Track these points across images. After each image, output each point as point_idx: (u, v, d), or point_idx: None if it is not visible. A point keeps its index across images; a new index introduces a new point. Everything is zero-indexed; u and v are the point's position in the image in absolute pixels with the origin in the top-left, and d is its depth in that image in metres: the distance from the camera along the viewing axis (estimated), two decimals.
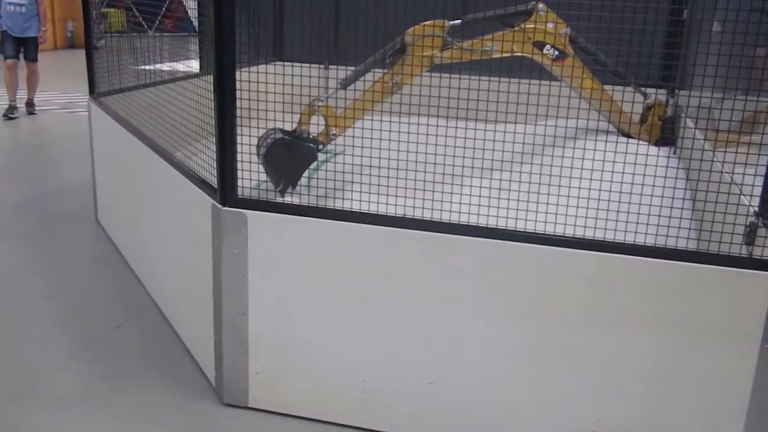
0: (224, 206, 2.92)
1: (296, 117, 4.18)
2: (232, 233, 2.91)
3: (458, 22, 4.41)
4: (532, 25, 4.51)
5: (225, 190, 2.92)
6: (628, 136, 5.03)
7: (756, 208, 2.90)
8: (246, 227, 2.90)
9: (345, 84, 4.31)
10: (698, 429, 2.63)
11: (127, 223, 4.61)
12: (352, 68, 4.38)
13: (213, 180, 3.00)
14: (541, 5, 4.50)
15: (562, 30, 4.58)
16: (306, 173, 4.22)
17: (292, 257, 2.89)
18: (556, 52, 4.60)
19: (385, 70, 4.33)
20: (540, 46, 4.58)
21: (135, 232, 4.42)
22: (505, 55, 4.39)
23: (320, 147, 4.32)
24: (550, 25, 4.54)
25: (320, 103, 4.21)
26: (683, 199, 3.05)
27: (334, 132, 4.31)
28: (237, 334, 3.02)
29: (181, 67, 4.62)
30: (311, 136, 4.26)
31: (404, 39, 4.31)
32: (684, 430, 2.65)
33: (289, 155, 4.19)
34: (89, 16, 5.41)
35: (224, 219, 2.91)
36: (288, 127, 4.19)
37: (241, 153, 2.92)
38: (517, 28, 4.51)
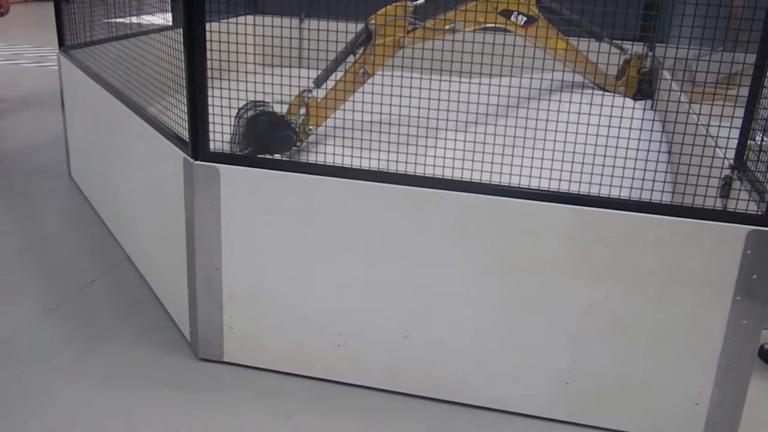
0: (196, 160, 2.87)
1: (270, 70, 4.12)
2: (205, 187, 2.87)
3: (422, 1, 4.40)
4: None
5: (197, 144, 2.87)
6: (607, 90, 5.02)
7: (731, 161, 2.91)
8: (218, 181, 2.85)
9: (318, 83, 4.37)
10: (670, 379, 2.67)
11: (100, 179, 4.54)
12: (327, 21, 4.32)
13: (185, 134, 2.95)
14: None
15: None
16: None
17: (265, 211, 2.86)
18: (525, 18, 4.57)
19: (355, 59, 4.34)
20: (507, 14, 4.57)
21: (108, 188, 4.36)
22: (473, 28, 4.36)
23: (299, 144, 4.33)
24: None
25: (309, 95, 4.30)
26: (659, 152, 3.04)
27: (311, 128, 4.38)
28: (210, 289, 3.00)
29: (154, 19, 4.51)
30: (296, 128, 4.33)
31: (368, 26, 4.31)
32: (656, 380, 2.69)
33: (272, 132, 4.20)
34: None
35: (196, 173, 2.87)
36: (264, 83, 4.14)
37: (214, 107, 2.86)
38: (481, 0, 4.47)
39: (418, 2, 4.39)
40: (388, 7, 4.31)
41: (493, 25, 4.54)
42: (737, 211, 2.51)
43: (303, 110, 4.38)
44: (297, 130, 4.38)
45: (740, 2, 2.81)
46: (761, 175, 2.58)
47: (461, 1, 4.52)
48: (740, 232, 2.46)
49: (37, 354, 3.18)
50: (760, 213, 2.47)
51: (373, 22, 4.31)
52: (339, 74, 4.39)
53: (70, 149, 5.32)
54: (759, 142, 2.74)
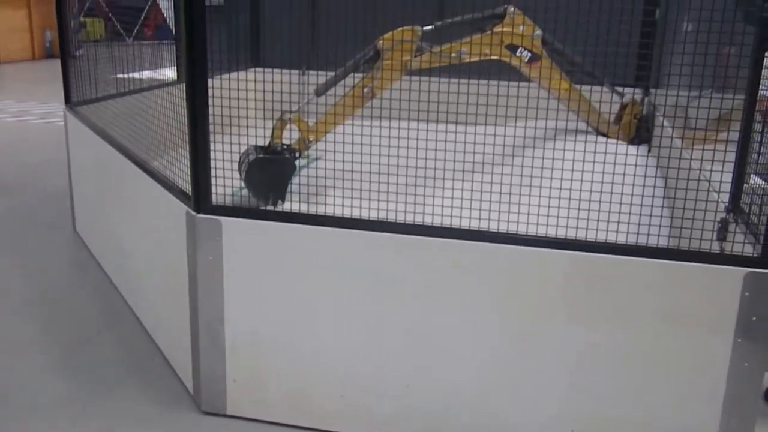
0: (198, 213, 2.91)
1: (275, 123, 4.19)
2: (207, 240, 2.91)
3: (431, 27, 4.44)
4: (504, 29, 4.54)
5: (199, 198, 2.91)
6: (604, 135, 5.07)
7: (727, 204, 2.94)
8: (221, 234, 2.89)
9: (320, 92, 4.33)
10: (674, 422, 2.65)
11: (105, 232, 4.59)
12: (330, 73, 4.41)
13: (188, 188, 3.00)
14: (512, 8, 4.53)
15: (535, 32, 4.61)
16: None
17: (267, 263, 2.89)
18: (529, 55, 4.63)
19: (361, 77, 4.34)
20: (513, 48, 4.61)
21: (113, 241, 4.40)
22: (478, 58, 4.43)
23: (297, 155, 4.32)
24: (521, 28, 4.57)
25: (289, 115, 4.21)
26: (658, 197, 3.07)
27: (311, 140, 4.33)
28: (214, 340, 3.01)
29: (158, 75, 4.61)
30: (288, 146, 4.26)
31: (377, 46, 4.33)
32: (660, 423, 2.67)
33: (269, 172, 4.19)
34: (64, 25, 5.38)
35: (199, 226, 2.91)
36: (266, 134, 4.17)
37: (215, 161, 2.91)
38: (489, 32, 4.55)
39: (426, 28, 4.43)
40: (398, 30, 4.34)
41: (498, 57, 4.59)
42: (734, 253, 2.54)
43: (290, 130, 4.33)
44: (291, 146, 4.29)
45: (727, 48, 2.88)
46: (756, 218, 2.61)
47: (469, 32, 4.58)
48: (738, 274, 2.48)
49: (41, 407, 3.17)
50: (756, 255, 2.49)
51: (381, 42, 4.33)
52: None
53: (75, 203, 5.38)
54: (752, 185, 2.77)
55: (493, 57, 4.58)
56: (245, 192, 4.12)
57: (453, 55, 4.42)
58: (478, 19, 4.59)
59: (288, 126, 4.26)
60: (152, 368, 3.51)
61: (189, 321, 3.08)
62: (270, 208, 3.90)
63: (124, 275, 4.27)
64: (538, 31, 4.61)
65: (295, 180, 4.23)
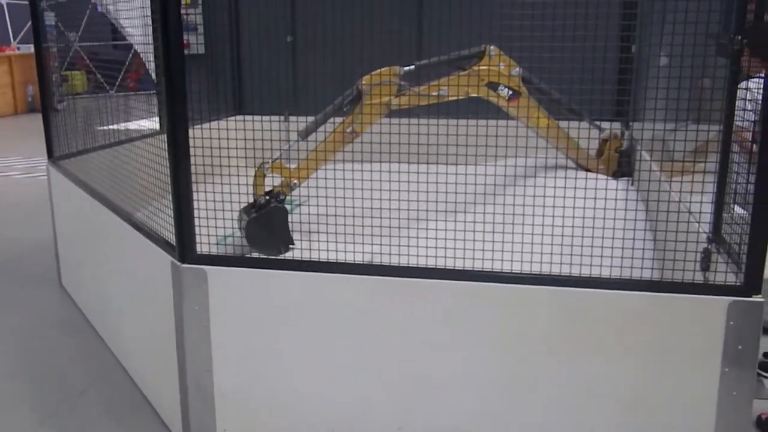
0: (183, 263, 2.91)
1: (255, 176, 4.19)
2: (193, 290, 2.90)
3: (411, 67, 4.47)
4: (484, 67, 4.60)
5: (183, 247, 2.91)
6: (587, 170, 5.12)
7: (709, 234, 2.97)
8: (206, 283, 2.89)
9: (305, 135, 4.33)
10: None
11: (91, 286, 4.56)
12: (312, 118, 4.43)
13: (172, 238, 3.00)
14: (491, 47, 4.59)
15: (514, 70, 4.67)
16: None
17: (254, 310, 2.89)
18: (510, 92, 4.69)
19: (343, 119, 4.38)
20: (493, 86, 4.67)
21: (98, 294, 4.37)
22: (459, 97, 4.48)
23: (282, 198, 4.32)
24: (501, 66, 4.64)
25: (267, 165, 4.18)
26: (641, 230, 3.09)
27: (295, 182, 4.31)
28: (202, 391, 2.99)
29: (141, 126, 4.62)
30: (270, 193, 4.25)
31: (359, 87, 4.36)
32: None
33: (266, 227, 4.18)
34: (45, 79, 5.41)
35: (184, 276, 2.90)
36: (249, 182, 4.18)
37: (198, 210, 2.91)
38: (469, 71, 4.61)
39: (407, 68, 4.46)
40: (379, 70, 4.36)
41: (478, 95, 4.62)
42: (717, 283, 2.56)
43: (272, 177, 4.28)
44: (273, 191, 4.25)
45: (701, 81, 2.94)
46: (737, 246, 2.63)
47: (450, 71, 4.61)
48: (722, 303, 2.50)
49: None
50: (739, 284, 2.51)
51: (363, 82, 4.36)
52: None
53: (60, 257, 5.35)
54: (732, 214, 2.80)
55: (473, 95, 4.63)
56: (230, 240, 4.11)
57: (434, 94, 4.46)
58: (457, 59, 4.64)
59: (269, 175, 4.23)
60: (142, 421, 3.47)
61: (177, 372, 3.06)
62: (287, 255, 3.89)
63: (111, 328, 4.23)
64: (518, 69, 4.66)
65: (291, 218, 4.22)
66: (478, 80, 4.59)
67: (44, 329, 4.62)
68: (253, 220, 4.12)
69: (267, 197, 4.23)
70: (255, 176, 4.18)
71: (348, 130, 4.34)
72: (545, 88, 4.82)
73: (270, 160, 4.15)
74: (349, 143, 4.26)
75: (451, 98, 4.46)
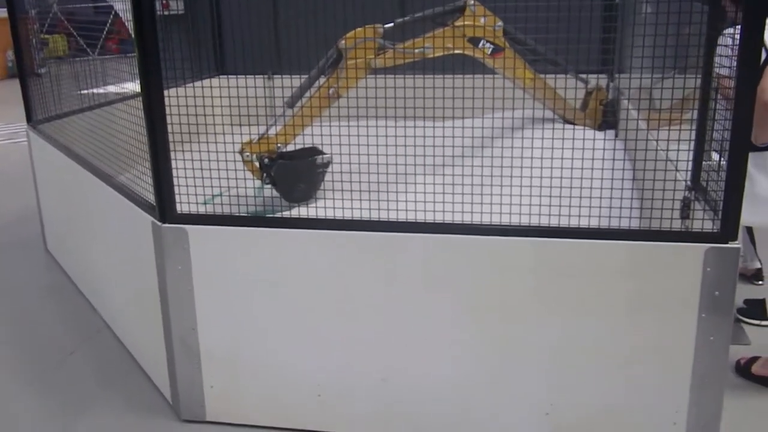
0: (164, 223, 2.91)
1: (239, 129, 4.18)
2: (174, 249, 2.90)
3: (391, 25, 4.44)
4: (466, 22, 4.55)
5: (163, 207, 2.90)
6: (571, 122, 5.11)
7: (688, 183, 2.98)
8: (188, 242, 2.89)
9: (291, 103, 4.36)
10: (647, 401, 2.69)
11: (76, 249, 4.55)
12: (296, 76, 4.40)
13: (153, 199, 2.99)
14: (472, 1, 4.54)
15: (496, 24, 4.63)
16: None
17: (236, 268, 2.89)
18: (492, 46, 4.65)
19: (325, 79, 4.36)
20: (475, 41, 4.63)
21: (84, 258, 4.37)
22: (441, 53, 4.44)
23: (265, 160, 4.39)
24: (482, 20, 4.58)
25: (247, 153, 4.38)
26: (626, 179, 3.10)
27: (279, 145, 4.39)
28: (188, 349, 3.01)
29: (122, 89, 4.57)
30: (266, 158, 4.41)
31: (339, 46, 4.34)
32: (633, 404, 2.71)
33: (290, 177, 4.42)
34: (20, 43, 5.33)
35: (165, 236, 2.90)
36: (235, 142, 4.24)
37: (176, 170, 2.89)
38: (450, 26, 4.56)
39: (388, 26, 4.43)
40: (358, 29, 4.33)
41: (461, 51, 4.59)
42: (694, 230, 2.57)
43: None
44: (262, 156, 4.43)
45: (686, 29, 2.92)
46: (714, 194, 2.65)
47: (431, 27, 4.58)
48: (699, 250, 2.51)
49: (22, 427, 3.16)
50: (715, 230, 2.53)
51: (343, 42, 4.34)
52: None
53: (44, 222, 5.33)
54: (710, 162, 2.81)
55: (457, 51, 4.58)
56: (217, 200, 4.12)
57: (416, 51, 4.43)
58: (438, 14, 4.60)
59: (249, 158, 4.42)
60: (130, 380, 3.50)
61: (162, 331, 3.07)
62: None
63: (97, 290, 4.24)
64: (500, 23, 4.62)
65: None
66: (460, 35, 4.56)
67: (31, 294, 4.62)
68: (278, 172, 4.37)
69: (265, 161, 4.41)
70: (245, 165, 4.37)
71: (330, 90, 4.34)
72: (527, 41, 4.79)
73: (250, 143, 4.34)
74: (331, 104, 4.26)
75: (434, 55, 4.43)
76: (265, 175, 4.43)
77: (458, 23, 4.55)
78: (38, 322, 4.21)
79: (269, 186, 4.43)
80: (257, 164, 4.43)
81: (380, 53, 4.42)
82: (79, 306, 4.38)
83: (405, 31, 4.51)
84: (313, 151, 4.48)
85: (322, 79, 4.42)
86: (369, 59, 4.37)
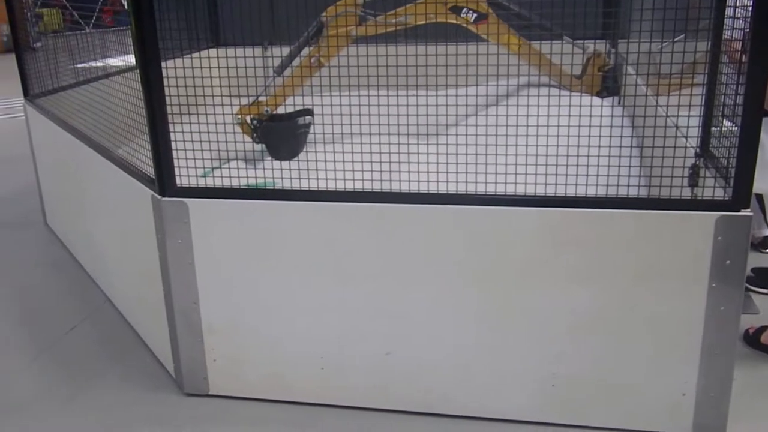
0: (164, 197, 2.86)
1: (237, 101, 4.17)
2: (174, 223, 2.86)
3: None
4: None
5: (163, 181, 2.85)
6: (568, 89, 5.04)
7: (697, 150, 2.92)
8: (188, 216, 2.84)
9: (279, 71, 4.73)
10: (655, 372, 2.66)
11: (76, 224, 4.51)
12: (288, 48, 4.72)
13: (153, 172, 2.93)
14: None
15: None
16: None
17: (237, 242, 2.85)
18: (475, 14, 4.67)
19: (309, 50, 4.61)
20: (457, 10, 4.69)
21: (84, 233, 4.33)
22: (423, 21, 4.49)
23: (254, 122, 4.79)
24: None
25: (239, 117, 4.74)
26: (627, 147, 3.04)
27: (268, 109, 4.76)
28: (190, 323, 2.98)
29: (118, 62, 4.51)
30: (257, 120, 4.78)
31: (321, 19, 4.58)
32: (642, 374, 2.68)
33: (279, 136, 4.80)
34: (16, 18, 5.25)
35: (165, 209, 2.85)
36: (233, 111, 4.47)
37: (175, 142, 2.83)
38: None
39: None
40: (339, 2, 4.56)
41: (443, 20, 4.66)
42: (704, 198, 2.52)
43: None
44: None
45: None
46: (725, 161, 2.59)
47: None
48: (709, 219, 2.46)
49: (26, 402, 3.14)
50: (727, 198, 2.47)
51: (325, 14, 4.57)
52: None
53: (44, 197, 5.29)
54: (720, 128, 2.75)
55: (439, 20, 4.64)
56: (217, 172, 4.09)
57: (396, 20, 4.53)
58: None
59: (240, 120, 4.77)
60: (133, 355, 3.48)
61: (164, 306, 3.04)
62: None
63: (98, 265, 4.21)
64: None
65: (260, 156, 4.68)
66: (442, 2, 4.64)
67: (31, 269, 4.60)
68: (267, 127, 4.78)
69: (256, 123, 4.80)
70: (242, 127, 4.75)
71: (312, 59, 4.65)
72: (514, 8, 4.77)
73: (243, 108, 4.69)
74: (314, 73, 4.60)
75: (415, 23, 4.48)
76: (255, 135, 4.80)
77: None
78: (39, 297, 4.19)
79: (261, 148, 4.83)
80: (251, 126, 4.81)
81: (360, 24, 4.61)
82: (80, 281, 4.35)
83: (388, 2, 4.65)
84: (305, 113, 4.78)
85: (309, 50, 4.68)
86: (349, 29, 4.57)
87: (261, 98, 4.77)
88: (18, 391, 3.23)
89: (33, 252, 4.90)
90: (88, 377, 3.31)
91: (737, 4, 2.67)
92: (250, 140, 4.76)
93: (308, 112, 4.74)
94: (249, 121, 4.78)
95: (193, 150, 2.85)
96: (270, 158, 4.70)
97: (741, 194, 2.44)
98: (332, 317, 2.85)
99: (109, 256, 3.90)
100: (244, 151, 4.51)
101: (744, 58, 2.35)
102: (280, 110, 4.81)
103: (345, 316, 2.84)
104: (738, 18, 2.60)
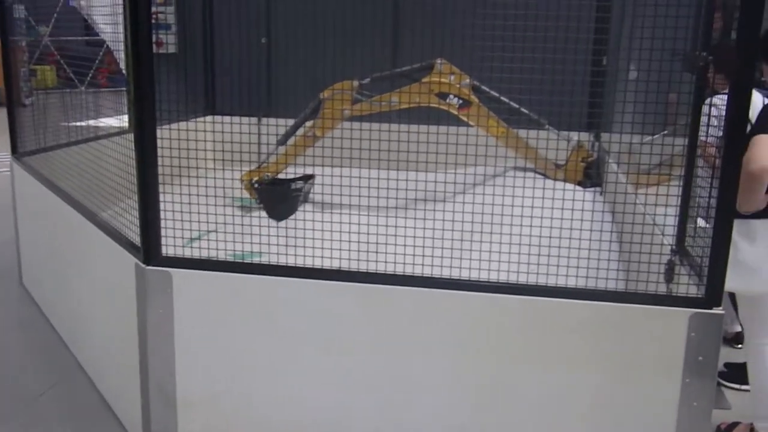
0: (148, 265, 2.87)
1: (229, 169, 4.25)
2: (157, 292, 2.86)
3: (368, 80, 5.17)
4: (433, 79, 5.12)
5: (148, 249, 2.87)
6: (549, 178, 5.20)
7: (673, 246, 3.01)
8: (171, 286, 2.85)
9: (282, 141, 5.36)
10: None
11: (53, 286, 4.47)
12: (284, 120, 5.33)
13: (138, 239, 2.95)
14: (440, 60, 5.05)
15: (463, 81, 5.12)
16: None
17: (220, 315, 2.85)
18: (460, 101, 5.00)
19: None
20: (443, 96, 5.14)
21: (60, 295, 4.30)
22: (410, 106, 4.94)
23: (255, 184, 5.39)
24: (451, 78, 5.11)
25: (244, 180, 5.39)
26: (609, 241, 3.12)
27: (268, 175, 5.32)
28: (165, 395, 2.94)
29: (109, 123, 4.56)
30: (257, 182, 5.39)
31: (320, 97, 5.20)
32: None
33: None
34: (10, 73, 5.30)
35: (149, 278, 2.86)
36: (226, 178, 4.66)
37: (164, 211, 2.87)
38: (420, 82, 5.12)
39: (364, 81, 5.14)
40: (337, 84, 5.13)
41: (427, 104, 5.14)
42: (679, 294, 2.59)
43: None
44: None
45: (671, 96, 2.99)
46: (699, 259, 2.67)
47: (408, 83, 5.22)
48: (683, 315, 2.52)
49: None
50: (700, 296, 2.54)
51: (323, 93, 5.18)
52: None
53: (21, 255, 5.25)
54: (695, 226, 2.84)
55: (423, 104, 5.13)
56: (204, 243, 4.13)
57: (384, 103, 5.05)
58: (409, 71, 5.23)
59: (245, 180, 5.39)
60: (102, 425, 3.41)
61: (139, 375, 3.01)
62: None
63: (72, 329, 4.16)
64: (467, 80, 5.14)
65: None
66: (427, 90, 5.13)
67: (2, 328, 4.52)
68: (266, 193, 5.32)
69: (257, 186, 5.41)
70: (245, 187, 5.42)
71: (309, 134, 5.25)
72: (499, 97, 5.11)
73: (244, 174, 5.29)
74: (311, 146, 5.18)
75: (402, 107, 4.98)
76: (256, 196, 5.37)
77: (425, 80, 5.13)
78: (8, 358, 4.11)
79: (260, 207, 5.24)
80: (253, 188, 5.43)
81: (354, 104, 5.16)
82: (51, 344, 4.27)
83: (386, 85, 5.22)
84: (307, 178, 5.26)
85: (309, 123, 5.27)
86: (344, 109, 5.14)
87: (263, 164, 5.36)
88: None
89: (5, 311, 4.82)
90: None
91: (711, 114, 2.81)
92: (239, 209, 5.08)
93: (310, 177, 5.21)
94: (251, 183, 5.37)
95: (182, 220, 2.88)
96: (256, 229, 4.76)
97: (713, 292, 2.51)
98: (316, 397, 2.84)
99: (85, 321, 3.86)
100: (233, 223, 4.54)
101: (717, 161, 2.46)
102: (288, 175, 5.34)
103: (328, 396, 2.83)
104: (713, 125, 2.73)
